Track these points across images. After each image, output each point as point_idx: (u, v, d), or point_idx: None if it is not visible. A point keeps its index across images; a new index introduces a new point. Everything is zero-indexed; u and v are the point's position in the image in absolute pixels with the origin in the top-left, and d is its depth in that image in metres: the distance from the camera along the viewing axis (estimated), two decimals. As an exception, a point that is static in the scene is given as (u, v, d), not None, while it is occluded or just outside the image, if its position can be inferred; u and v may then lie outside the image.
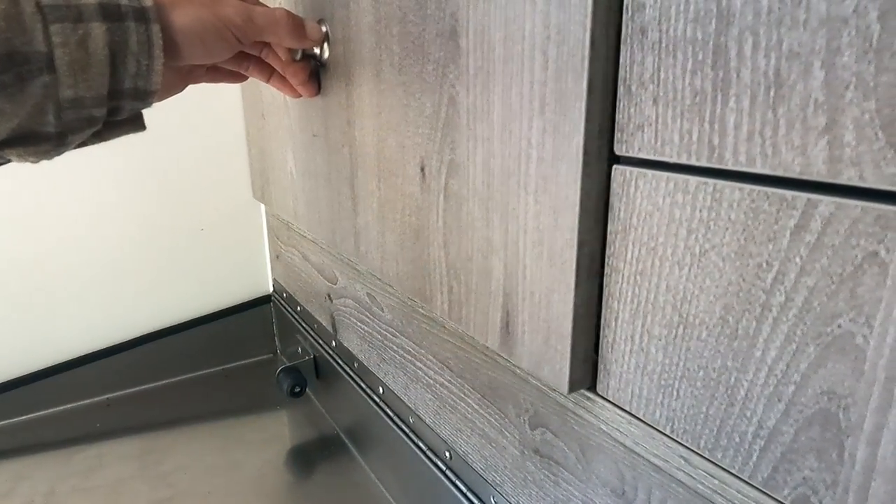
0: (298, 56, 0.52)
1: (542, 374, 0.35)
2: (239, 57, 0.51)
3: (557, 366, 0.33)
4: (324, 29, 0.52)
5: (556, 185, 0.31)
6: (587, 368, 0.33)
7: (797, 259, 0.25)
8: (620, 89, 0.31)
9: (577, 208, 0.30)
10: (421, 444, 0.63)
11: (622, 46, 0.31)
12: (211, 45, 0.42)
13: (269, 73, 0.53)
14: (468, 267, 0.40)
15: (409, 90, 0.42)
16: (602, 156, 0.29)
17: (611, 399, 0.36)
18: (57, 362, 0.84)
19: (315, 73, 0.55)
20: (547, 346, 0.34)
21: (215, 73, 0.52)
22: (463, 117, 0.37)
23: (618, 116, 0.32)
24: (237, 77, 0.54)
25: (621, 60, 0.31)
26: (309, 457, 0.80)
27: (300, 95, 0.56)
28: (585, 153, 0.29)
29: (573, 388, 0.33)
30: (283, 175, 0.74)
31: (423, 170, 0.42)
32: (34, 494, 0.71)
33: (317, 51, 0.53)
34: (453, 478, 0.58)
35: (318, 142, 0.60)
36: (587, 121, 0.28)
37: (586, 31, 0.27)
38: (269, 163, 0.79)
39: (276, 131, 0.73)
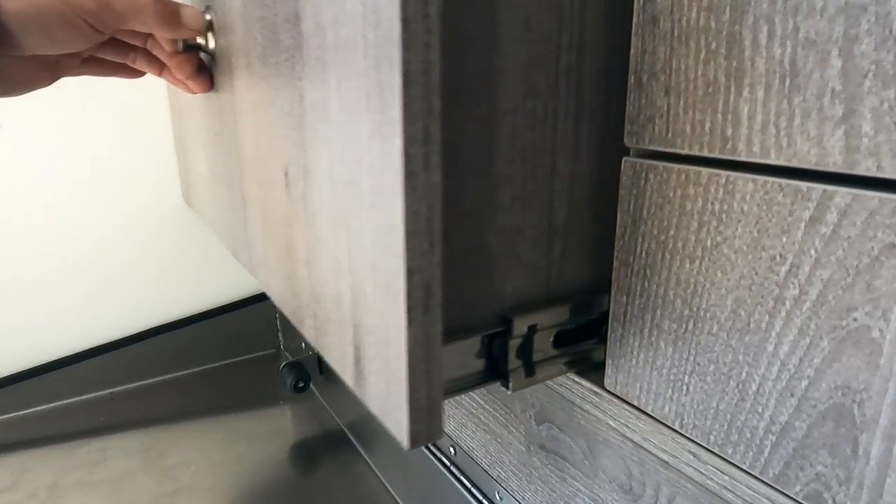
0: (181, 47, 0.46)
1: (388, 424, 0.30)
2: (122, 47, 0.46)
3: (399, 414, 0.28)
4: (208, 17, 0.45)
5: (384, 198, 0.25)
6: (433, 419, 0.28)
7: (812, 251, 0.24)
8: (631, 80, 0.31)
9: (401, 229, 0.24)
10: (425, 440, 0.63)
11: (633, 37, 0.30)
12: (56, 34, 0.37)
13: (159, 65, 0.48)
14: (325, 291, 0.34)
15: (271, 84, 0.37)
16: (432, 165, 0.24)
17: (619, 394, 0.36)
18: (60, 356, 0.84)
19: (205, 66, 0.49)
20: (389, 392, 0.28)
21: (96, 66, 0.47)
22: (309, 115, 0.32)
23: (628, 108, 0.31)
24: (127, 70, 0.48)
25: (632, 51, 0.31)
26: (312, 452, 0.80)
27: (195, 91, 0.49)
28: (408, 161, 0.23)
29: (415, 442, 0.28)
30: (199, 177, 0.67)
31: (286, 175, 0.37)
32: (38, 488, 0.71)
33: (202, 41, 0.46)
34: (458, 473, 0.58)
35: (219, 141, 0.53)
36: (406, 121, 0.23)
37: (395, 8, 0.23)
38: (189, 164, 0.72)
39: (190, 130, 0.67)
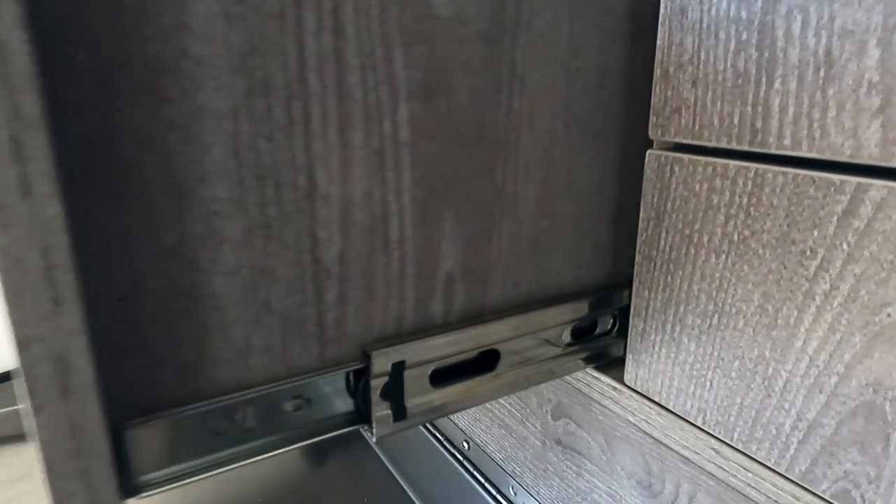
0: None
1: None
2: None
3: None
4: None
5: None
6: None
7: (844, 246, 0.24)
8: (657, 71, 0.30)
9: None
10: (438, 434, 0.63)
11: (660, 28, 0.30)
12: None
13: None
14: None
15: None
16: (39, 192, 0.17)
17: (639, 389, 0.35)
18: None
19: None
20: None
21: None
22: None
23: (653, 99, 0.31)
24: None
25: (658, 42, 0.30)
26: (323, 444, 0.80)
27: None
28: None
29: None
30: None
31: None
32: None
33: None
34: (471, 468, 0.58)
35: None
36: None
37: None
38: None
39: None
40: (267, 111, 0.23)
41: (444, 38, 0.27)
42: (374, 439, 0.30)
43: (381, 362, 0.29)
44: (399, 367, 0.29)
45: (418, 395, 0.31)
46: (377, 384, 0.29)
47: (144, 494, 0.24)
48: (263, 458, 0.27)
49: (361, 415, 0.30)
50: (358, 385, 0.29)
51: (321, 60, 0.24)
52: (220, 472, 0.26)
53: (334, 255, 0.26)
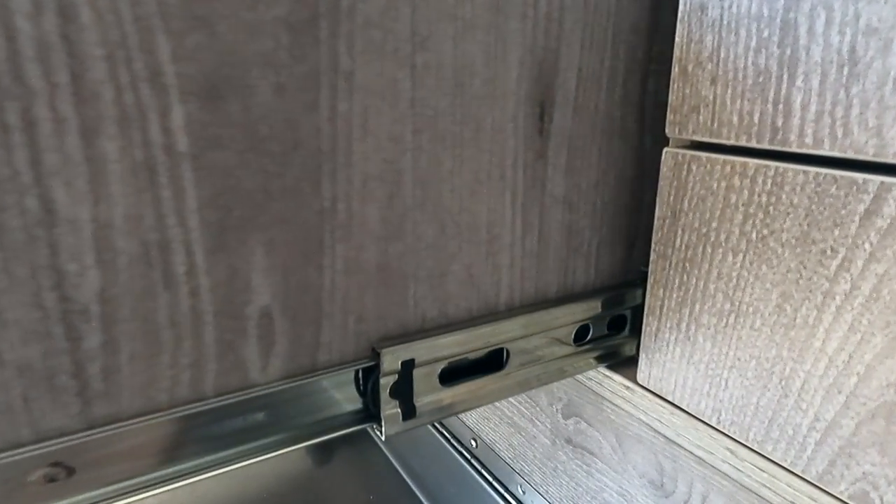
0: None
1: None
2: None
3: None
4: None
5: None
6: None
7: (866, 245, 0.24)
8: (675, 69, 0.30)
9: None
10: (445, 432, 0.63)
11: (679, 25, 0.30)
12: None
13: None
14: None
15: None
16: None
17: (652, 389, 0.35)
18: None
19: None
20: None
21: None
22: None
23: (670, 97, 0.31)
24: None
25: (677, 39, 0.30)
26: (329, 441, 0.80)
27: None
28: None
29: None
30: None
31: None
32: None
33: None
34: (478, 466, 0.58)
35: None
36: None
37: None
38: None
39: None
40: None
41: (230, 25, 0.21)
42: (382, 438, 0.29)
43: (391, 360, 0.28)
44: (408, 366, 0.29)
45: (427, 394, 0.30)
46: (386, 382, 0.29)
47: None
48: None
49: (370, 413, 0.30)
50: (367, 383, 0.29)
51: (43, 51, 0.19)
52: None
53: (92, 293, 0.21)
